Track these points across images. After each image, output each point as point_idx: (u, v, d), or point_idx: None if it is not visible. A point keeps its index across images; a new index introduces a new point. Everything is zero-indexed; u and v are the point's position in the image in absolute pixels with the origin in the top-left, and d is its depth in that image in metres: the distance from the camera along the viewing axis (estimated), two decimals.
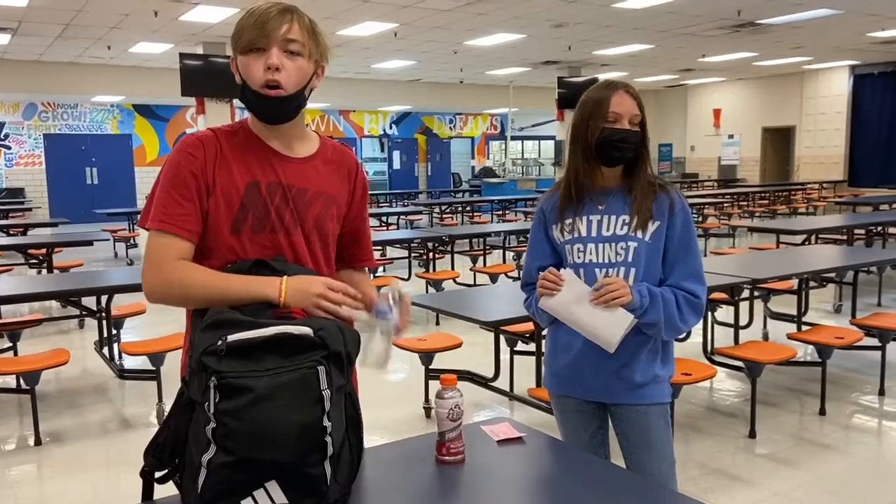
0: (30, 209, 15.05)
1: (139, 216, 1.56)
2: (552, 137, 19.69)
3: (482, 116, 23.03)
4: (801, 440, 3.75)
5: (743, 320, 4.74)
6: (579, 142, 1.92)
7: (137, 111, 17.85)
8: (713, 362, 4.10)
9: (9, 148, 16.63)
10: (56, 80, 14.16)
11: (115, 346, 4.81)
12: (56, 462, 3.67)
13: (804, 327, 5.02)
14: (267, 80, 1.46)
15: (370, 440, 1.48)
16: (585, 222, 1.95)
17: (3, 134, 16.53)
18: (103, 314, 4.71)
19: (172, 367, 1.65)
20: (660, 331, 1.89)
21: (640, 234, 1.89)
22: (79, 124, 17.29)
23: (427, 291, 6.74)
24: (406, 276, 7.40)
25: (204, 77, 11.52)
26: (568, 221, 1.97)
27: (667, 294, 1.89)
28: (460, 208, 14.87)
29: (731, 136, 20.35)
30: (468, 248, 8.91)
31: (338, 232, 1.63)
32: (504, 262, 8.90)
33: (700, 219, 11.97)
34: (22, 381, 3.93)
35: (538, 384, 3.71)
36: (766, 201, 15.04)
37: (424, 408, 4.23)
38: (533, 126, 22.57)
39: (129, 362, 5.04)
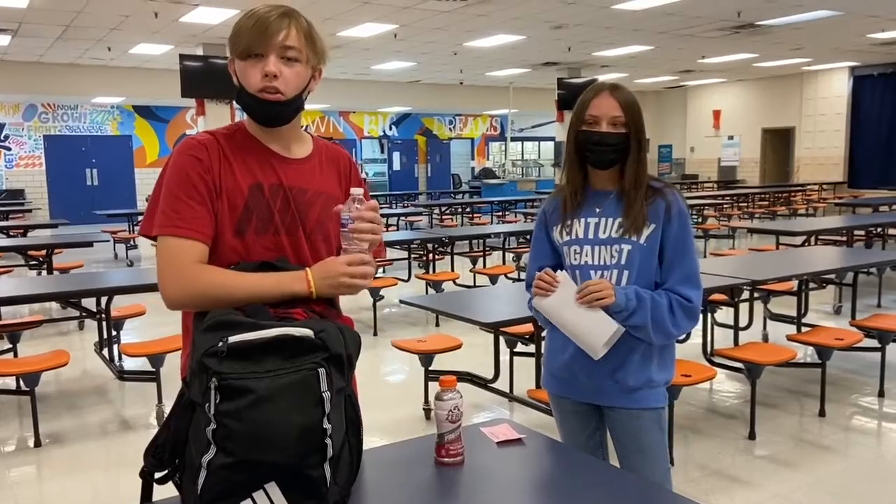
0: (30, 210, 15.05)
1: (140, 223, 1.53)
2: (552, 139, 19.70)
3: (482, 117, 23.04)
4: (800, 441, 3.75)
5: (743, 321, 4.74)
6: (569, 144, 1.96)
7: (137, 112, 17.85)
8: (713, 363, 4.10)
9: (9, 149, 16.63)
10: (56, 81, 14.17)
11: (115, 347, 4.81)
12: (56, 463, 3.67)
13: (804, 329, 5.02)
14: (264, 86, 1.46)
15: (370, 441, 1.48)
16: (583, 224, 1.96)
17: (3, 135, 16.53)
18: (103, 315, 4.70)
19: (172, 369, 1.65)
20: (648, 334, 1.88)
21: (634, 237, 1.90)
22: (79, 125, 17.29)
23: (427, 293, 6.74)
24: (406, 278, 7.40)
25: (204, 78, 11.53)
26: (567, 223, 1.98)
27: (659, 298, 1.88)
28: (460, 209, 14.87)
29: (730, 138, 20.36)
30: (468, 250, 8.91)
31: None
32: (504, 263, 8.90)
33: (700, 220, 11.97)
34: (22, 382, 3.93)
35: (538, 385, 3.70)
36: (766, 202, 15.04)
37: (424, 409, 4.23)
38: (533, 127, 22.57)
39: (129, 364, 5.04)
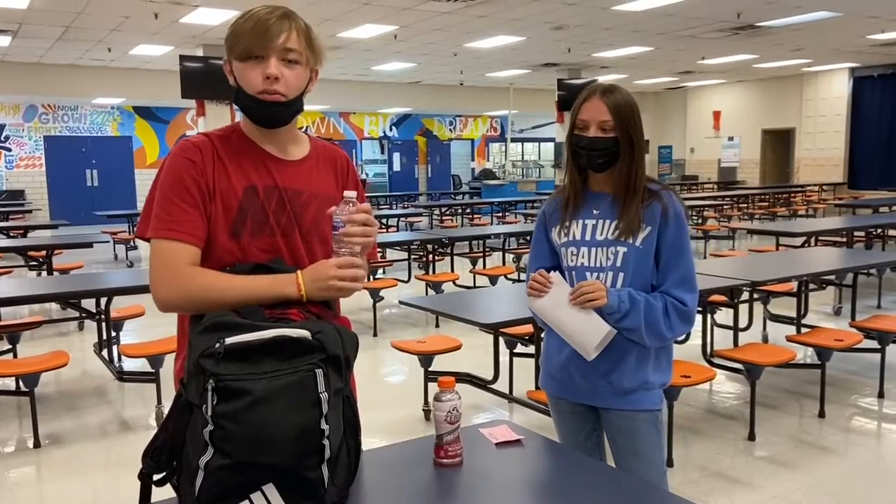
0: (30, 211, 15.04)
1: (137, 225, 1.54)
2: (552, 139, 19.70)
3: (482, 118, 23.04)
4: (800, 442, 3.75)
5: (742, 322, 4.74)
6: (567, 147, 1.97)
7: (137, 113, 17.85)
8: (713, 364, 4.10)
9: (9, 150, 16.63)
10: (56, 82, 14.18)
11: (115, 348, 4.81)
12: (55, 464, 3.67)
13: (804, 329, 5.02)
14: (265, 88, 1.46)
15: (368, 442, 1.48)
16: (581, 226, 1.96)
17: (3, 136, 16.53)
18: (103, 316, 4.70)
19: (171, 370, 1.66)
20: (642, 336, 1.88)
21: (630, 240, 1.90)
22: (79, 126, 17.29)
23: (427, 293, 6.74)
24: (406, 279, 7.40)
25: (204, 79, 11.52)
26: (566, 224, 1.99)
27: (654, 301, 1.88)
28: (460, 210, 14.87)
29: (730, 139, 20.36)
30: (468, 251, 8.91)
31: None
32: (504, 264, 8.90)
33: (700, 221, 11.97)
34: (21, 383, 3.93)
35: (537, 386, 3.70)
36: (766, 203, 15.05)
37: (423, 410, 4.23)
38: (533, 128, 22.59)
39: (129, 364, 5.03)
